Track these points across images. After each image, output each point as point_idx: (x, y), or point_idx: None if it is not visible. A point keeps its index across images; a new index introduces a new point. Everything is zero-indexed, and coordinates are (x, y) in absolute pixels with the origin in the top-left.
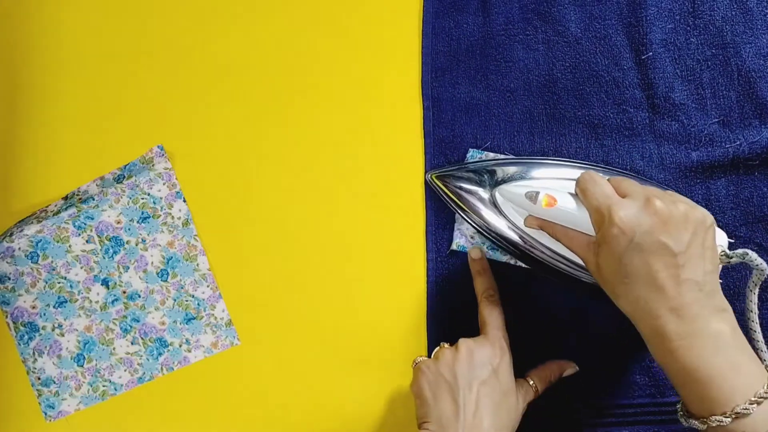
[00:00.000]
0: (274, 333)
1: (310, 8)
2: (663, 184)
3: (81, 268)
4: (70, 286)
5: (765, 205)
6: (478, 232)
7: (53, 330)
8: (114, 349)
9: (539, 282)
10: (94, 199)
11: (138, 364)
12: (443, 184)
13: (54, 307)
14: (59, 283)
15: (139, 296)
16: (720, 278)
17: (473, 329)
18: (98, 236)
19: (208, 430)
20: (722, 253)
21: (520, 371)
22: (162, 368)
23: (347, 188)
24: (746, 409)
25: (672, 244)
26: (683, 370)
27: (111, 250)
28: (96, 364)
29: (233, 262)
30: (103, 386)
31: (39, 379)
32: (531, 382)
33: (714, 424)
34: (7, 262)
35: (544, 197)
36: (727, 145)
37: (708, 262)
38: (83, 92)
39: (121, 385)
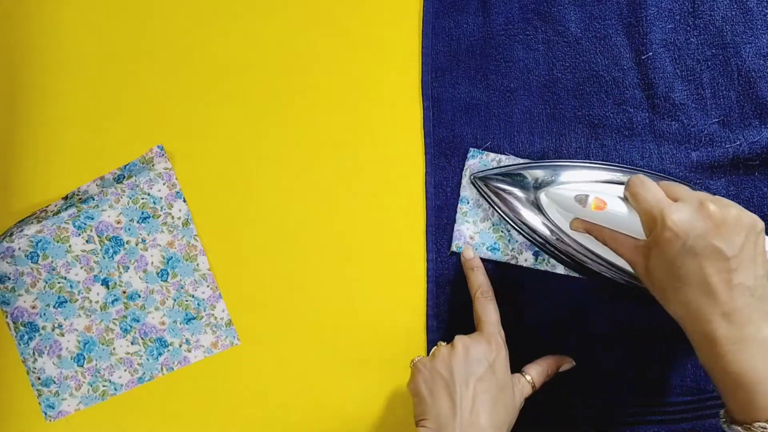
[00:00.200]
0: (274, 333)
1: (310, 8)
2: None
3: (81, 268)
4: (70, 286)
5: (765, 205)
6: (515, 229)
7: (53, 330)
8: (114, 349)
9: (539, 282)
10: (94, 199)
11: (138, 364)
12: (484, 184)
13: (54, 307)
14: (59, 283)
15: (139, 296)
16: None
17: (473, 329)
18: (98, 236)
19: (208, 430)
20: None
21: (519, 370)
22: (162, 368)
23: (347, 188)
24: None
25: (725, 248)
26: (731, 375)
27: (111, 250)
28: (96, 364)
29: (233, 262)
30: (103, 386)
31: (39, 379)
32: (528, 378)
33: (759, 431)
34: (7, 262)
35: (593, 200)
36: (727, 145)
37: (759, 266)
38: (83, 92)
39: (121, 385)
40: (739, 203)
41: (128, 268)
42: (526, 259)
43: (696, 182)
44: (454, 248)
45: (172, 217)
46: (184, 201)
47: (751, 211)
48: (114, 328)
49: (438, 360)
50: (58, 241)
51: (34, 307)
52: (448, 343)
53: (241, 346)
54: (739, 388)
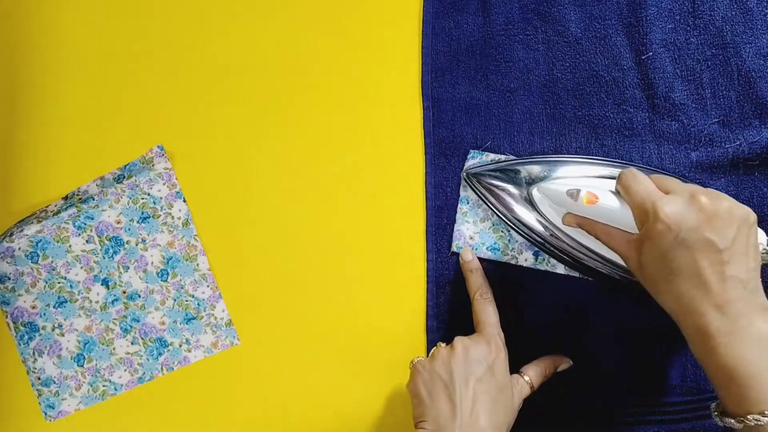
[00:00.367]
0: (274, 333)
1: (310, 8)
2: None
3: (81, 268)
4: (70, 286)
5: (765, 205)
6: (508, 225)
7: (53, 330)
8: (114, 349)
9: (539, 282)
10: (94, 199)
11: (138, 364)
12: (477, 181)
13: (54, 307)
14: (59, 283)
15: (139, 296)
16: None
17: (473, 330)
18: (98, 236)
19: (208, 430)
20: (764, 251)
21: (517, 371)
22: (162, 368)
23: (347, 188)
24: None
25: (717, 240)
26: (724, 368)
27: (111, 250)
28: (96, 364)
29: (233, 262)
30: (103, 386)
31: (39, 379)
32: (526, 378)
33: (752, 424)
34: (7, 262)
35: (585, 195)
36: (727, 145)
37: (752, 259)
38: (83, 92)
39: (121, 385)
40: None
41: (128, 268)
42: (526, 259)
43: (695, 182)
44: (454, 248)
45: (172, 217)
46: (184, 201)
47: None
48: (114, 328)
49: (437, 361)
50: (58, 241)
51: (34, 307)
52: (447, 344)
53: (241, 346)
54: (731, 380)
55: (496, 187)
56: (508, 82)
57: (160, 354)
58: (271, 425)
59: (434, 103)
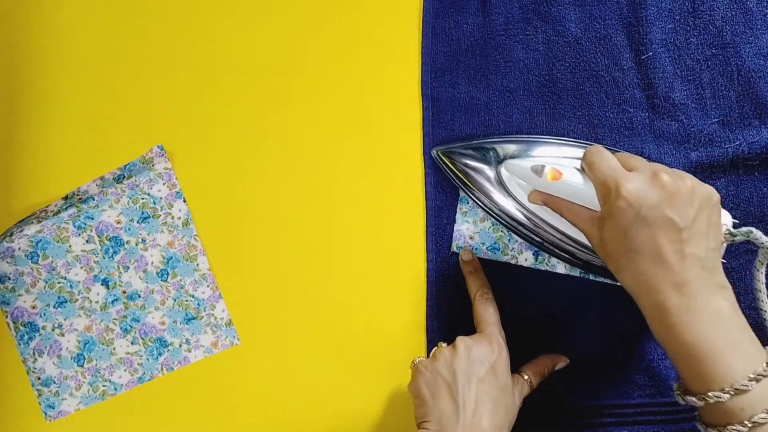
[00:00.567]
0: (274, 333)
1: (309, 8)
2: None
3: (81, 268)
4: (70, 286)
5: (765, 205)
6: (484, 210)
7: (53, 330)
8: (114, 349)
9: (539, 282)
10: (94, 199)
11: (138, 364)
12: (450, 162)
13: (54, 307)
14: (59, 283)
15: (139, 296)
16: (723, 259)
17: (473, 330)
18: (98, 236)
19: (208, 430)
20: (727, 232)
21: (516, 370)
22: (162, 368)
23: (347, 188)
24: (745, 385)
25: (678, 218)
26: (683, 345)
27: (111, 250)
28: (96, 364)
29: (233, 262)
30: (103, 386)
31: (39, 379)
32: (526, 377)
33: (712, 401)
34: (7, 262)
35: (549, 171)
36: (726, 145)
37: (711, 239)
38: (83, 92)
39: (121, 385)
40: (739, 203)
41: (128, 268)
42: (526, 258)
43: None
44: (454, 248)
45: (172, 217)
46: (184, 201)
47: (751, 211)
48: (114, 328)
49: (439, 361)
50: (58, 241)
51: (34, 307)
52: (448, 344)
53: (241, 346)
54: (691, 358)
55: (471, 168)
56: (508, 82)
57: (160, 354)
58: (271, 425)
59: (434, 103)
